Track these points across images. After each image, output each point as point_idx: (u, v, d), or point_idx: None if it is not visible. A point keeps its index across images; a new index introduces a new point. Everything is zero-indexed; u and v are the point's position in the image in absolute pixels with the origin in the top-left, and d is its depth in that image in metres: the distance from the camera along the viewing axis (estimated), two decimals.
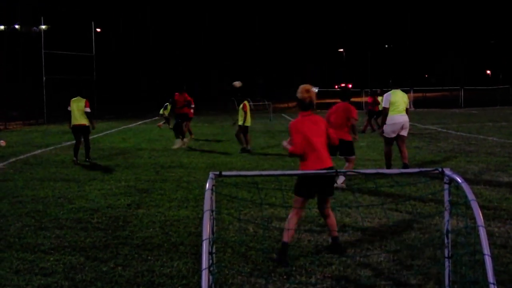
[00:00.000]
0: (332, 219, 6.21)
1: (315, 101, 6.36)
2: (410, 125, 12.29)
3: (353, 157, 10.44)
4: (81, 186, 10.78)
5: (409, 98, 20.49)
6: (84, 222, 7.80)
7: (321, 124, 6.20)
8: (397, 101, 11.78)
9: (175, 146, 17.91)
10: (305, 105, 6.19)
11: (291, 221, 6.03)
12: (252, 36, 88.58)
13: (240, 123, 16.72)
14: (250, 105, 18.96)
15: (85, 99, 14.37)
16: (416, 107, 50.37)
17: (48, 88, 37.56)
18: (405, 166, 11.59)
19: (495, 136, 19.55)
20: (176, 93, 18.94)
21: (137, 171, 12.77)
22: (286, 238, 5.94)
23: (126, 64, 74.58)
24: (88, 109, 14.32)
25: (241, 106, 16.76)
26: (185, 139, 18.64)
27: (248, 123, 16.74)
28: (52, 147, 18.90)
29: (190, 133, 20.88)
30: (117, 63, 72.52)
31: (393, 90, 12.00)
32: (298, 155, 6.04)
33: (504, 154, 14.47)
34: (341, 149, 10.07)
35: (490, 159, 13.54)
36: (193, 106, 21.36)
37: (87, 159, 14.47)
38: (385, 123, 11.89)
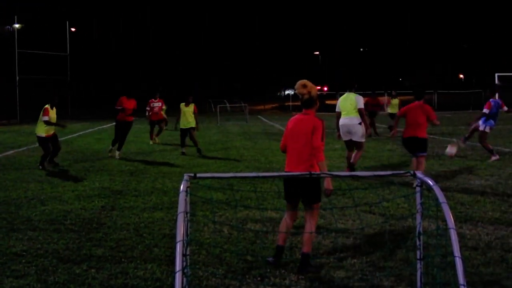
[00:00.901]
0: (306, 235, 5.71)
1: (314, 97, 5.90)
2: (384, 128, 12.44)
3: (425, 154, 10.52)
4: (54, 187, 10.66)
5: (381, 100, 21.80)
6: (57, 224, 7.72)
7: (309, 126, 5.77)
8: (343, 105, 12.04)
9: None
10: (303, 102, 5.88)
11: (282, 225, 6.02)
12: (229, 40, 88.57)
13: (193, 125, 16.54)
14: (227, 106, 19.16)
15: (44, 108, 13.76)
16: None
17: (21, 88, 37.07)
18: (350, 166, 11.89)
19: (468, 140, 19.81)
20: (123, 98, 15.63)
21: (112, 172, 12.67)
22: (280, 241, 5.92)
23: (101, 64, 73.98)
24: (46, 118, 13.60)
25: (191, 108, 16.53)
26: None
27: (183, 125, 16.50)
28: (25, 148, 18.66)
29: (151, 137, 20.55)
30: (92, 63, 71.88)
31: (344, 94, 12.30)
32: (282, 151, 6.15)
33: (476, 158, 14.69)
34: (415, 146, 10.36)
35: (462, 162, 13.75)
36: (164, 107, 21.36)
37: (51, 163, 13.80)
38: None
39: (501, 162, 13.55)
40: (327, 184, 5.84)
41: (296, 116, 6.04)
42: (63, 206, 8.87)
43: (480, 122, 14.57)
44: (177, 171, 12.57)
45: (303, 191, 5.78)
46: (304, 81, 5.94)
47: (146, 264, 5.94)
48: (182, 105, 16.62)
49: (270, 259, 5.90)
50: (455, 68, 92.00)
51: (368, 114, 21.63)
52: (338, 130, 12.11)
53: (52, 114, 13.81)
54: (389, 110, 25.13)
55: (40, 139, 13.69)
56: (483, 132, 14.40)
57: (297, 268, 5.70)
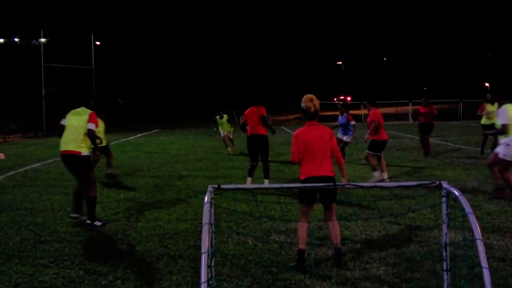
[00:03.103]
0: (336, 230, 6.21)
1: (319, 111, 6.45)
2: (409, 137, 12.30)
3: None
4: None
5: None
6: (83, 235, 7.80)
7: (325, 133, 6.30)
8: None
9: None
10: (310, 115, 6.34)
11: (300, 229, 6.22)
12: (249, 47, 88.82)
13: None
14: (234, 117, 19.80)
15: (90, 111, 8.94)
16: (414, 119, 50.44)
17: (47, 101, 37.63)
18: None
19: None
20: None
21: (136, 184, 12.77)
22: (300, 246, 6.16)
23: (125, 77, 74.75)
24: (92, 125, 8.69)
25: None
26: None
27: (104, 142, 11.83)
28: (51, 160, 18.90)
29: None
30: (116, 76, 72.68)
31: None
32: (295, 163, 6.33)
33: None
34: None
35: (489, 172, 13.54)
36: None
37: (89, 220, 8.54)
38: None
39: None
40: (344, 180, 6.42)
41: (306, 128, 6.38)
42: None
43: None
44: (201, 183, 12.61)
45: (325, 195, 6.21)
46: (311, 96, 6.44)
47: (172, 276, 5.96)
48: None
49: (293, 264, 6.15)
50: (480, 76, 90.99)
51: (422, 128, 18.03)
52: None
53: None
54: (484, 120, 18.61)
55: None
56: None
57: (334, 262, 6.14)
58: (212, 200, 4.26)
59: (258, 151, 11.92)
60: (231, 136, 21.56)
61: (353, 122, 15.83)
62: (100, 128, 11.69)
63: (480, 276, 3.70)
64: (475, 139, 25.30)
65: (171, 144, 25.68)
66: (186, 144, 26.55)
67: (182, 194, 11.18)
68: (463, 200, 4.02)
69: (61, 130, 8.82)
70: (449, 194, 4.37)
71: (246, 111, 12.15)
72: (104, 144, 11.80)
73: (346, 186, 5.18)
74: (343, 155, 14.65)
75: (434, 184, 4.45)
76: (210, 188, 4.27)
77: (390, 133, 32.67)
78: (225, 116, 21.47)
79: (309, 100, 6.34)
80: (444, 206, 4.50)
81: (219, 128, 21.54)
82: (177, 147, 24.19)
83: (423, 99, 19.14)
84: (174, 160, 18.41)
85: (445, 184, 4.34)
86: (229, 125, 21.60)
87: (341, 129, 16.03)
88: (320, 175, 6.11)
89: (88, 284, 5.73)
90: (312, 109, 6.31)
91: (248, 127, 11.96)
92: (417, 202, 9.70)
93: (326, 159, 6.21)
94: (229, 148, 20.64)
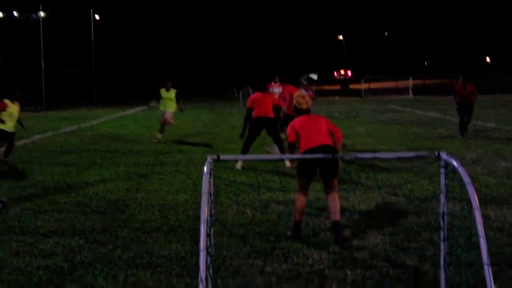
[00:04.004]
0: (334, 205, 6.16)
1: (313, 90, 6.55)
2: (408, 111, 12.20)
3: None
4: (80, 171, 10.82)
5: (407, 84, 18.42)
6: (83, 206, 7.85)
7: (321, 119, 6.51)
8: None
9: None
10: (301, 111, 6.61)
11: (297, 201, 6.30)
12: (249, 21, 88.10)
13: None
14: (249, 92, 18.79)
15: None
16: (415, 94, 50.39)
17: (47, 76, 37.54)
18: None
19: (494, 123, 19.60)
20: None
21: (136, 156, 12.80)
22: (296, 216, 6.26)
23: (126, 53, 74.31)
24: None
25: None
26: None
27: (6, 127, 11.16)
28: (51, 133, 18.93)
29: None
30: (117, 52, 72.27)
31: None
32: (292, 143, 6.43)
33: (502, 140, 14.51)
34: None
35: (488, 145, 13.58)
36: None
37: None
38: None
39: None
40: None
41: (300, 117, 6.57)
42: (88, 189, 9.00)
43: None
44: (200, 155, 12.64)
45: (326, 169, 6.18)
46: (303, 93, 6.96)
47: (171, 245, 6.02)
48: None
49: (290, 233, 6.25)
50: (481, 51, 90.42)
51: (460, 106, 15.99)
52: None
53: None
54: None
55: None
56: None
57: (333, 237, 6.03)
58: (211, 171, 4.27)
59: (257, 136, 11.35)
60: (171, 120, 16.43)
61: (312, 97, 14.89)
62: (10, 110, 11.13)
63: (477, 246, 3.72)
64: (474, 113, 25.25)
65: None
66: (185, 118, 26.55)
67: (181, 167, 11.22)
68: (461, 171, 4.02)
69: None
70: (447, 165, 4.37)
71: (253, 96, 11.39)
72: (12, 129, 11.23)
73: (346, 157, 5.21)
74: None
75: (433, 155, 4.44)
76: (209, 159, 4.27)
77: (390, 106, 32.67)
78: (173, 90, 16.35)
79: (300, 97, 6.65)
80: (442, 176, 4.50)
81: (161, 105, 16.40)
82: (175, 120, 24.18)
83: (461, 77, 16.71)
84: (173, 133, 18.42)
85: (444, 155, 4.34)
86: (175, 104, 16.45)
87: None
88: (319, 144, 6.15)
89: (88, 253, 5.78)
90: (304, 106, 6.59)
91: (254, 111, 11.09)
92: (415, 174, 9.74)
93: (322, 134, 6.30)
94: (159, 135, 16.10)
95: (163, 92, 16.32)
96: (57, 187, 9.24)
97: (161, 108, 16.44)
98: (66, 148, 14.67)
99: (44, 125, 22.59)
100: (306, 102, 6.66)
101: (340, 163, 6.33)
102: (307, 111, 6.62)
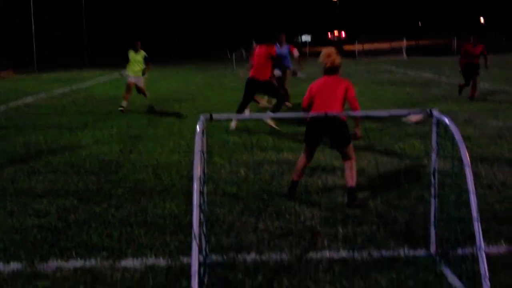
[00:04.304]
0: (349, 172, 6.00)
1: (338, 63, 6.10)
2: (402, 72, 12.11)
3: None
4: (73, 132, 10.81)
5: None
6: (77, 167, 7.87)
7: (341, 85, 6.00)
8: None
9: None
10: (326, 69, 6.10)
11: (298, 163, 6.26)
12: None
13: None
14: (242, 54, 17.98)
15: None
16: (409, 55, 50.15)
17: (38, 37, 37.09)
18: None
19: (487, 83, 19.58)
20: None
21: (129, 118, 12.78)
22: (294, 177, 6.24)
23: (117, 11, 73.22)
24: None
25: None
26: None
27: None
28: (43, 95, 18.82)
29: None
30: (108, 10, 71.22)
31: None
32: (304, 109, 6.20)
33: (495, 100, 14.55)
34: None
35: (481, 105, 13.62)
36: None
37: None
38: None
39: None
40: (357, 130, 6.13)
41: (322, 78, 6.14)
42: (82, 150, 9.01)
43: None
44: (193, 117, 12.61)
45: (334, 139, 6.07)
46: (329, 51, 6.17)
47: (165, 203, 6.07)
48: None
49: (285, 193, 6.26)
50: (475, 10, 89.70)
51: (465, 68, 15.05)
52: None
53: None
54: None
55: None
56: None
57: (347, 202, 5.94)
58: (204, 130, 4.28)
59: (253, 96, 11.26)
60: (141, 85, 14.43)
61: (296, 53, 13.87)
62: None
63: (467, 202, 3.77)
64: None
65: (163, 79, 25.53)
66: (178, 80, 26.41)
67: (175, 128, 11.22)
68: (453, 128, 4.05)
69: None
70: (439, 122, 4.39)
71: (256, 50, 10.97)
72: None
73: (339, 114, 5.18)
74: (287, 97, 13.00)
75: (425, 113, 4.45)
76: (202, 117, 4.27)
77: (384, 67, 32.55)
78: (142, 52, 14.22)
79: (326, 56, 6.11)
80: (434, 134, 4.53)
81: (128, 69, 14.41)
82: (168, 83, 24.06)
83: (472, 35, 15.49)
84: (166, 96, 18.35)
85: (435, 113, 4.35)
86: (144, 66, 14.30)
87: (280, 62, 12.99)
88: (325, 111, 5.70)
89: (82, 212, 5.83)
90: (328, 65, 6.08)
91: (252, 69, 10.80)
92: (407, 133, 9.78)
93: (334, 104, 5.90)
94: (124, 103, 14.07)
95: (131, 54, 14.18)
96: (50, 148, 9.25)
97: (129, 72, 14.28)
98: (59, 109, 14.61)
99: (37, 87, 22.45)
100: (332, 62, 6.06)
101: (359, 133, 6.09)
102: (331, 70, 6.08)
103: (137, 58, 14.13)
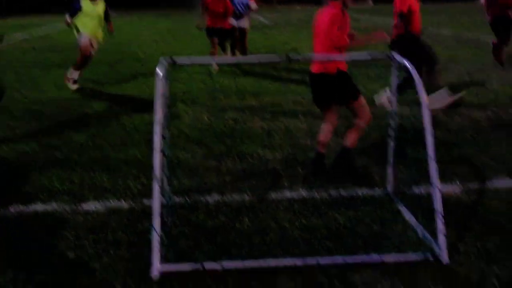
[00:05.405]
0: (350, 135, 5.21)
1: None
2: (367, 19, 12.12)
3: None
4: (32, 78, 10.61)
5: None
6: (36, 113, 7.76)
7: (325, 17, 5.05)
8: None
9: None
10: None
11: (321, 131, 5.29)
12: None
13: None
14: None
15: None
16: (375, 2, 49.95)
17: None
18: None
19: (449, 29, 19.76)
20: None
21: (92, 65, 12.51)
22: (318, 148, 5.28)
23: None
24: None
25: None
26: None
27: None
28: (10, 42, 18.28)
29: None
30: None
31: None
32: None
33: (456, 47, 14.71)
34: None
35: (442, 51, 13.72)
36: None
37: None
38: None
39: (477, 50, 13.58)
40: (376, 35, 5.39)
41: (318, 11, 5.35)
42: (41, 95, 8.87)
43: None
44: (157, 61, 12.44)
45: (331, 94, 5.15)
46: None
47: (127, 148, 6.06)
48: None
49: (310, 169, 5.29)
50: None
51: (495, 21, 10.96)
52: None
53: None
54: None
55: None
56: None
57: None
58: (166, 73, 4.25)
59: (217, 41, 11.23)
60: (94, 45, 9.81)
61: (254, 6, 12.58)
62: None
63: (424, 143, 3.87)
64: (430, 20, 25.33)
65: (126, 25, 25.00)
66: (141, 25, 25.90)
67: (138, 74, 11.09)
68: (413, 71, 4.10)
69: None
70: (400, 66, 4.43)
71: None
72: None
73: (300, 58, 5.07)
74: (245, 50, 12.20)
75: (386, 56, 4.47)
76: (163, 61, 4.24)
77: (350, 15, 32.41)
78: (102, 2, 9.74)
79: None
80: (394, 77, 4.59)
81: (81, 24, 9.60)
82: (132, 28, 23.58)
83: None
84: (129, 42, 18.01)
85: (396, 56, 4.39)
86: (102, 24, 9.91)
87: (237, 11, 11.97)
88: (312, 71, 5.18)
89: (43, 157, 5.78)
90: None
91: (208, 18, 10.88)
92: (369, 78, 9.86)
93: (320, 51, 5.10)
94: (74, 73, 9.72)
95: (85, 3, 9.49)
96: (9, 95, 9.02)
97: (82, 29, 9.59)
98: (18, 56, 14.24)
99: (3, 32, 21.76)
100: None
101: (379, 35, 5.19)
102: None
103: (96, 10, 9.60)
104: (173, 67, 4.27)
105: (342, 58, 5.05)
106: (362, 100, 5.18)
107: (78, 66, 9.64)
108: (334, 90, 5.10)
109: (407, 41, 7.54)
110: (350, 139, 5.19)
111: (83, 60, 9.60)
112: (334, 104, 5.21)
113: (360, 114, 5.16)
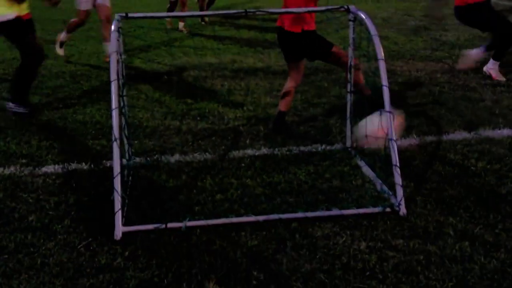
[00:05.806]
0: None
1: None
2: None
3: None
4: None
5: None
6: None
7: None
8: None
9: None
10: None
11: (284, 88, 5.24)
12: None
13: None
14: None
15: None
16: None
17: None
18: None
19: None
20: None
21: (44, 23, 12.14)
22: (280, 106, 5.20)
23: None
24: None
25: None
26: None
27: None
28: None
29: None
30: None
31: None
32: None
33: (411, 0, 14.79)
34: None
35: (398, 5, 13.81)
36: None
37: None
38: None
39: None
40: None
41: None
42: None
43: None
44: (113, 17, 12.15)
45: (304, 52, 5.12)
46: None
47: (85, 109, 5.96)
48: None
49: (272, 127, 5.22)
50: None
51: None
52: None
53: None
54: None
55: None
56: None
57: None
58: (120, 29, 4.18)
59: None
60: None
61: None
62: None
63: (381, 95, 3.92)
64: None
65: None
66: None
67: (92, 32, 10.79)
68: (369, 23, 4.11)
69: None
70: (356, 18, 4.44)
71: None
72: None
73: (257, 12, 4.92)
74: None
75: (342, 8, 4.46)
76: (117, 16, 4.16)
77: None
78: None
79: None
80: (351, 30, 4.59)
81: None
82: None
83: None
84: None
85: (352, 8, 4.40)
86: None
87: None
88: (280, 25, 5.09)
89: None
90: None
91: None
92: (327, 32, 9.85)
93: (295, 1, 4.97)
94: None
95: None
96: None
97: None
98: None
99: None
100: None
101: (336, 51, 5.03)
102: None
103: None
104: (129, 24, 4.18)
105: (302, 10, 4.87)
106: (336, 47, 5.14)
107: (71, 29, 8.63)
108: (318, 41, 5.06)
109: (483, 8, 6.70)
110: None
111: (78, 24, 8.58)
112: (307, 59, 5.18)
113: (343, 58, 4.96)
